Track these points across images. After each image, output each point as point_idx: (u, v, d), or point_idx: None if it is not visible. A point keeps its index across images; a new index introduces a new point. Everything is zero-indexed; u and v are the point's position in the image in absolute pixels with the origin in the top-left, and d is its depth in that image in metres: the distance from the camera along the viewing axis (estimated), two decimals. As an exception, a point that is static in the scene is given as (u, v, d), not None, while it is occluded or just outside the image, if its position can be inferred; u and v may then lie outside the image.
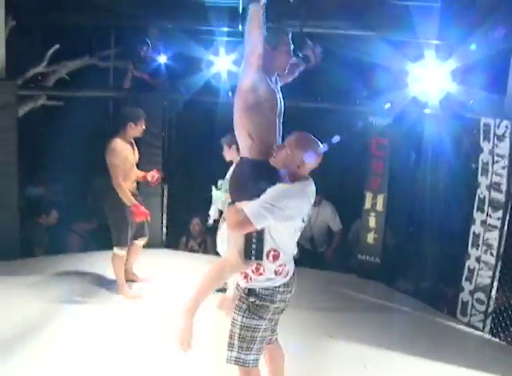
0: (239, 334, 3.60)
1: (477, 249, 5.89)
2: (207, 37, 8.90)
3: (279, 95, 3.72)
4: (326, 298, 6.44)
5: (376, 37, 7.96)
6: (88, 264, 6.85)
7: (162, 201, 7.51)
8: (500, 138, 5.65)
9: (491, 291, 5.82)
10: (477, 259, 5.88)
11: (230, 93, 7.76)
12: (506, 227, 5.71)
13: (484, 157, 5.82)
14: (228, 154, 5.88)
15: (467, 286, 6.00)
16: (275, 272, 3.57)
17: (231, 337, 3.64)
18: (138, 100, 7.48)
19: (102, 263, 6.57)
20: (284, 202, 3.38)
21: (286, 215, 3.41)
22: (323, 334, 5.56)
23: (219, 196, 5.94)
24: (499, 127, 5.66)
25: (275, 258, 3.54)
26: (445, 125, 6.48)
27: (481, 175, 5.86)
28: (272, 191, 3.41)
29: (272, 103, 3.60)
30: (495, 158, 5.71)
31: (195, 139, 8.13)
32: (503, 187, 5.67)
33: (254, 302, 3.58)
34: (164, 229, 7.70)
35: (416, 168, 7.03)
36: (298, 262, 3.86)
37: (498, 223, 5.72)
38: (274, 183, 3.46)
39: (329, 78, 7.74)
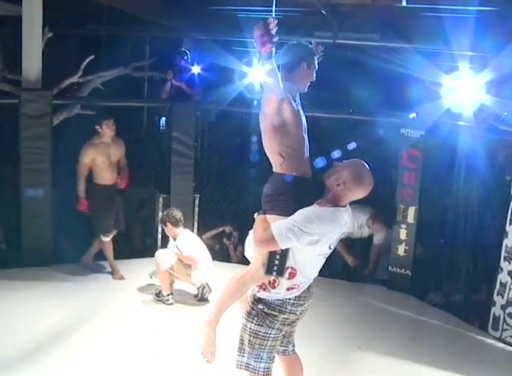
0: (249, 341, 3.59)
1: (509, 263, 5.80)
2: (240, 48, 8.99)
3: (302, 112, 3.78)
4: (356, 309, 6.41)
5: (410, 48, 7.96)
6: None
7: (193, 211, 7.55)
8: (534, 150, 5.59)
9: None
10: (510, 273, 5.80)
11: (255, 102, 7.83)
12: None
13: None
14: None
15: (499, 300, 5.91)
16: (287, 289, 3.52)
17: (241, 342, 3.65)
18: (172, 110, 7.59)
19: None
20: (312, 227, 3.31)
21: (313, 240, 3.34)
22: (352, 346, 5.53)
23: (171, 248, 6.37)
24: (532, 139, 5.60)
25: (292, 276, 3.49)
26: (479, 137, 6.41)
27: (515, 188, 5.80)
28: (302, 213, 3.36)
29: (297, 122, 3.64)
30: (529, 171, 5.65)
31: (227, 149, 8.16)
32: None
33: (262, 309, 3.57)
34: (196, 239, 7.71)
35: (448, 180, 6.95)
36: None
37: (532, 237, 5.65)
38: (305, 199, 3.45)
39: (361, 90, 7.74)
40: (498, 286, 5.94)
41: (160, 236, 7.53)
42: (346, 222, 3.49)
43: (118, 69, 8.40)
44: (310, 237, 3.33)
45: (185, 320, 5.88)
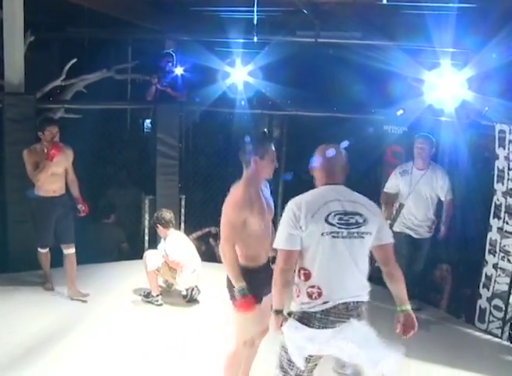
0: (281, 356, 3.57)
1: (494, 256, 5.87)
2: (222, 48, 9.02)
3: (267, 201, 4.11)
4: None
5: (392, 45, 8.01)
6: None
7: (179, 212, 7.56)
8: (516, 144, 5.65)
9: (509, 298, 5.79)
10: (495, 266, 5.87)
11: (243, 102, 7.85)
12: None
13: (499, 163, 5.83)
14: None
15: (485, 293, 5.98)
16: (308, 295, 3.44)
17: (280, 359, 3.60)
18: (156, 112, 7.61)
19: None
20: (294, 213, 3.42)
21: (305, 222, 3.39)
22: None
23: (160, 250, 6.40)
24: (513, 133, 5.66)
25: (307, 277, 3.46)
26: (461, 133, 6.47)
27: (497, 181, 5.86)
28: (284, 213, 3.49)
29: (261, 216, 3.99)
30: (511, 165, 5.70)
31: (212, 149, 8.19)
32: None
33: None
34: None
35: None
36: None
37: (515, 230, 5.72)
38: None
39: (344, 87, 7.79)
40: (483, 279, 6.01)
41: (147, 237, 7.53)
42: (337, 198, 3.48)
43: (101, 72, 8.39)
44: (300, 222, 3.39)
45: (174, 321, 5.91)
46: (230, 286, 4.01)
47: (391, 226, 5.95)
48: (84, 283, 6.39)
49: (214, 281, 6.78)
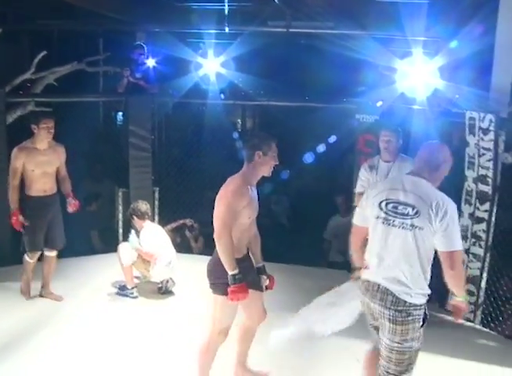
0: None
1: (465, 241, 5.92)
2: (194, 39, 8.98)
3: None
4: (319, 294, 6.45)
5: (364, 35, 8.03)
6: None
7: (153, 204, 7.53)
8: (485, 131, 5.70)
9: (480, 283, 5.87)
10: (466, 251, 5.92)
11: (223, 95, 7.84)
12: (493, 219, 5.77)
13: (470, 150, 5.88)
14: None
15: (457, 279, 6.03)
16: (365, 266, 3.78)
17: None
18: (127, 104, 7.55)
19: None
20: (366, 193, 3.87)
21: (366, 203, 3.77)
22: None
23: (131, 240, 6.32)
24: (483, 121, 5.71)
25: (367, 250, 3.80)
26: (433, 121, 6.52)
27: (468, 168, 5.92)
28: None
29: (252, 210, 4.13)
30: (481, 151, 5.76)
31: (185, 140, 8.16)
32: (490, 180, 5.73)
33: None
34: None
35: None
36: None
37: (485, 215, 5.79)
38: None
39: (316, 77, 7.80)
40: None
41: (121, 230, 7.49)
42: (402, 188, 3.62)
43: (71, 64, 8.28)
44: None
45: (149, 313, 5.90)
46: (214, 275, 4.11)
47: None
48: (59, 278, 6.34)
49: (189, 273, 6.83)
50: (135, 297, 6.20)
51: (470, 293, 5.91)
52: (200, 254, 7.82)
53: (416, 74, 6.79)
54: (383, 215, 3.61)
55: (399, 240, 3.56)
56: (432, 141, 3.88)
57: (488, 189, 5.76)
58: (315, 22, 8.37)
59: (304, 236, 7.79)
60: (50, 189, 5.80)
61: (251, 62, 8.84)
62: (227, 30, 8.32)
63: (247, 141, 4.16)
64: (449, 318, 6.03)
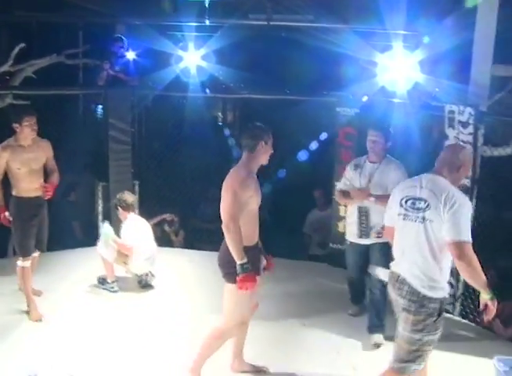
0: None
1: (441, 232, 5.96)
2: (175, 32, 8.93)
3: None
4: (298, 286, 6.49)
5: (345, 28, 8.04)
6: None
7: (134, 197, 7.49)
8: (464, 125, 5.74)
9: (459, 275, 5.88)
10: (446, 244, 5.96)
11: (208, 90, 7.81)
12: (472, 211, 5.78)
13: (449, 143, 5.90)
14: None
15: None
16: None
17: None
18: (107, 97, 7.50)
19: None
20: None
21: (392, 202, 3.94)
22: (297, 323, 5.61)
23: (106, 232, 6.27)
24: (462, 114, 5.75)
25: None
26: (413, 114, 6.55)
27: (447, 161, 5.93)
28: None
29: (259, 197, 4.19)
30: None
31: (165, 134, 8.13)
32: (469, 173, 5.75)
33: None
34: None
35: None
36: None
37: (465, 208, 5.80)
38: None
39: (297, 70, 7.79)
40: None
41: (101, 223, 7.44)
42: (420, 185, 3.79)
43: (50, 57, 8.20)
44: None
45: (128, 307, 5.88)
46: (227, 265, 4.13)
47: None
48: (39, 272, 6.27)
49: (169, 266, 6.83)
50: (115, 291, 6.18)
51: (448, 284, 5.94)
52: (181, 248, 7.84)
53: (397, 67, 6.82)
54: (403, 211, 3.78)
55: (413, 233, 3.72)
56: (455, 143, 3.98)
57: (467, 182, 5.77)
58: (296, 15, 8.36)
59: (285, 230, 7.80)
60: (37, 189, 5.49)
61: (232, 55, 8.81)
62: (207, 22, 8.29)
63: (249, 132, 4.24)
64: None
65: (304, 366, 4.82)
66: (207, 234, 8.27)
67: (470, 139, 5.70)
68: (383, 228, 4.86)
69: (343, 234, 6.92)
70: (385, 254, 5.08)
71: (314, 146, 7.19)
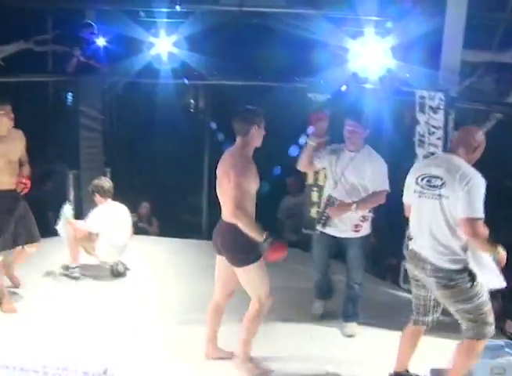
0: None
1: (416, 218, 6.02)
2: (146, 18, 8.84)
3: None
4: (272, 272, 6.46)
5: (316, 14, 8.02)
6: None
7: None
8: (435, 110, 5.77)
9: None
10: (417, 228, 6.01)
11: (186, 81, 7.75)
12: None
13: (420, 128, 5.95)
14: None
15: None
16: (408, 237, 4.13)
17: None
18: (78, 84, 7.42)
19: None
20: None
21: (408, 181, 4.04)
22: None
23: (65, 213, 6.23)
24: (433, 99, 5.78)
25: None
26: (384, 99, 6.58)
27: (418, 146, 5.99)
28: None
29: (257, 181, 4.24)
30: (431, 130, 5.83)
31: (137, 121, 8.07)
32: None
33: None
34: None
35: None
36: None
37: (435, 193, 5.85)
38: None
39: (269, 56, 7.76)
40: (406, 241, 6.13)
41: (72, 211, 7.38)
42: (436, 164, 3.96)
43: (18, 43, 8.07)
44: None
45: (99, 296, 5.84)
46: (240, 249, 4.21)
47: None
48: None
49: (144, 255, 6.81)
50: (76, 277, 6.10)
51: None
52: (157, 236, 7.81)
53: (369, 53, 6.83)
54: (419, 189, 3.89)
55: (430, 210, 3.84)
56: (471, 126, 4.13)
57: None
58: (268, 1, 8.32)
59: (259, 216, 7.79)
60: (14, 181, 5.24)
61: (204, 41, 8.74)
62: (178, 8, 8.20)
63: (241, 116, 4.23)
64: (402, 293, 6.17)
65: (279, 352, 4.82)
66: (182, 222, 8.27)
67: (440, 124, 5.73)
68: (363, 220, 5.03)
69: (315, 220, 6.97)
70: (364, 250, 5.22)
71: (286, 132, 7.17)
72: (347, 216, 5.03)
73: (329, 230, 5.16)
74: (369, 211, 5.16)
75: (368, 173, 5.01)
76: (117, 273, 6.24)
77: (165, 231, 7.93)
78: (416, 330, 4.22)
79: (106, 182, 6.25)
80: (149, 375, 4.32)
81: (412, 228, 4.04)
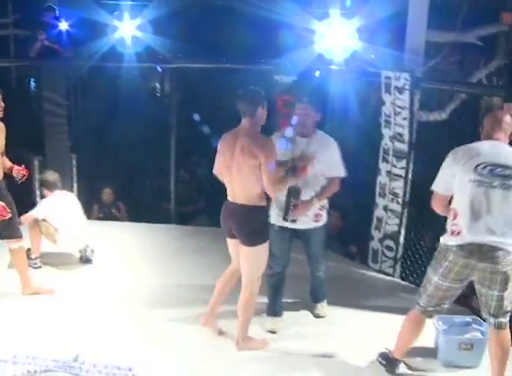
0: (425, 277, 4.09)
1: (383, 198, 6.08)
2: (109, 1, 8.72)
3: None
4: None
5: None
6: None
7: (72, 171, 7.34)
8: (400, 90, 5.80)
9: (399, 238, 6.04)
10: (385, 208, 6.09)
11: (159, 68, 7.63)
12: (409, 176, 5.92)
13: (386, 109, 5.98)
14: None
15: (377, 234, 6.21)
16: (452, 233, 3.87)
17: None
18: (41, 69, 7.30)
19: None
20: (451, 160, 3.90)
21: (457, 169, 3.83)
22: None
23: None
24: (398, 80, 5.80)
25: (454, 216, 3.88)
26: (350, 81, 6.59)
27: (385, 126, 6.03)
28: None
29: None
30: (397, 110, 5.87)
31: (101, 105, 7.98)
32: (405, 137, 5.85)
33: (435, 252, 4.02)
34: (76, 199, 7.53)
35: (323, 123, 7.11)
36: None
37: (402, 172, 5.92)
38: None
39: (234, 38, 7.72)
40: (375, 221, 6.22)
41: (38, 199, 7.28)
42: (491, 152, 3.83)
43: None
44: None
45: (69, 283, 5.75)
46: (253, 228, 4.29)
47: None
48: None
49: (112, 241, 6.76)
50: (38, 267, 6.00)
51: (389, 248, 6.11)
52: (125, 221, 7.75)
53: (334, 35, 6.82)
54: (478, 177, 3.76)
55: (499, 199, 3.75)
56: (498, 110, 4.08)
57: (404, 146, 5.88)
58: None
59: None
60: (1, 174, 5.05)
61: (168, 24, 8.66)
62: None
63: (247, 98, 4.29)
64: (371, 273, 6.24)
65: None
66: (150, 207, 8.23)
67: (406, 104, 5.77)
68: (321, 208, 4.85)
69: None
70: (324, 238, 5.07)
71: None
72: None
73: (288, 224, 4.78)
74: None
75: (326, 158, 4.72)
76: (86, 259, 6.19)
77: (133, 216, 7.88)
78: (421, 317, 4.13)
79: (50, 176, 6.16)
80: (119, 361, 4.28)
81: (468, 219, 3.79)
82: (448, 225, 3.91)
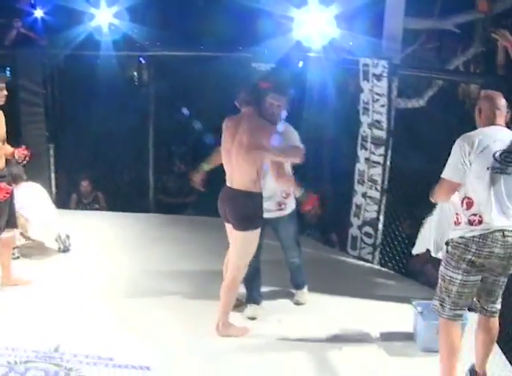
0: (439, 284, 3.82)
1: (362, 185, 6.12)
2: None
3: None
4: (221, 244, 6.49)
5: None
6: None
7: (49, 161, 7.28)
8: (378, 77, 5.83)
9: (378, 225, 6.09)
10: (364, 195, 6.12)
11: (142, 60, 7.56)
12: (388, 163, 5.95)
13: (364, 96, 6.00)
14: None
15: (356, 221, 6.25)
16: (469, 222, 3.69)
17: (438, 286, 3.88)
18: (16, 57, 7.21)
19: None
20: (465, 147, 3.68)
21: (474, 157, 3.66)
22: (220, 281, 5.60)
23: None
24: (376, 67, 5.83)
25: (469, 205, 3.71)
26: (328, 68, 6.59)
27: (363, 114, 6.05)
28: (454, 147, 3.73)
29: None
30: (375, 97, 5.90)
31: (79, 94, 7.90)
32: (384, 125, 5.88)
33: (448, 251, 3.76)
34: (54, 189, 7.51)
35: (300, 110, 7.10)
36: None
37: (380, 159, 5.96)
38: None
39: (212, 26, 7.68)
40: (354, 208, 6.26)
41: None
42: (502, 138, 3.72)
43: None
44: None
45: (48, 273, 5.73)
46: (247, 212, 4.33)
47: None
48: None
49: (90, 230, 6.73)
50: (16, 258, 5.93)
51: (368, 235, 6.15)
52: (104, 210, 7.72)
53: (313, 22, 6.80)
54: (497, 165, 3.67)
55: None
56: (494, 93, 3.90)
57: (382, 133, 5.91)
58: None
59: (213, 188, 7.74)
60: (2, 163, 4.99)
61: (145, 12, 8.60)
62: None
63: (252, 87, 4.58)
64: (350, 260, 6.28)
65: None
66: (129, 196, 8.20)
67: (384, 91, 5.80)
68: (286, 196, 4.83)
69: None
70: (294, 226, 5.09)
71: (230, 102, 7.13)
72: (268, 196, 4.73)
73: None
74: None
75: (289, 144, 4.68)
76: (64, 248, 6.15)
77: (112, 206, 7.84)
78: (456, 325, 3.85)
79: (14, 168, 6.06)
80: (100, 351, 4.29)
81: (487, 207, 3.68)
82: (462, 217, 3.74)
